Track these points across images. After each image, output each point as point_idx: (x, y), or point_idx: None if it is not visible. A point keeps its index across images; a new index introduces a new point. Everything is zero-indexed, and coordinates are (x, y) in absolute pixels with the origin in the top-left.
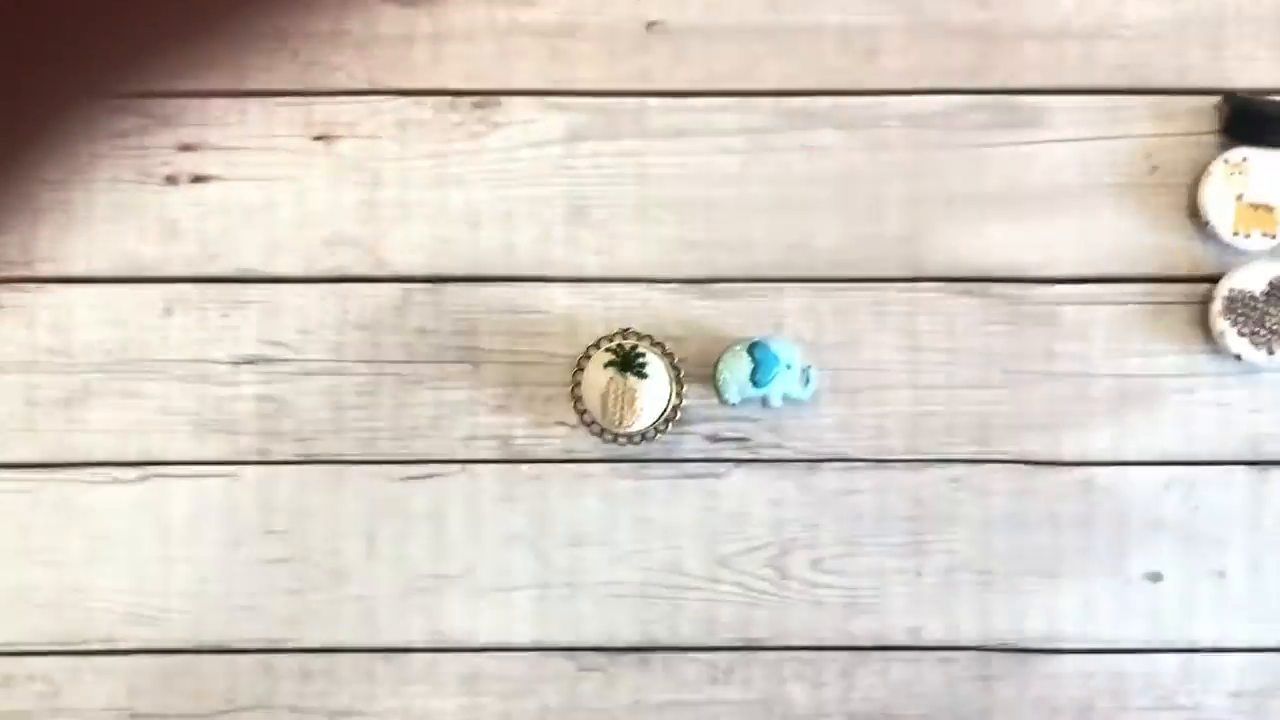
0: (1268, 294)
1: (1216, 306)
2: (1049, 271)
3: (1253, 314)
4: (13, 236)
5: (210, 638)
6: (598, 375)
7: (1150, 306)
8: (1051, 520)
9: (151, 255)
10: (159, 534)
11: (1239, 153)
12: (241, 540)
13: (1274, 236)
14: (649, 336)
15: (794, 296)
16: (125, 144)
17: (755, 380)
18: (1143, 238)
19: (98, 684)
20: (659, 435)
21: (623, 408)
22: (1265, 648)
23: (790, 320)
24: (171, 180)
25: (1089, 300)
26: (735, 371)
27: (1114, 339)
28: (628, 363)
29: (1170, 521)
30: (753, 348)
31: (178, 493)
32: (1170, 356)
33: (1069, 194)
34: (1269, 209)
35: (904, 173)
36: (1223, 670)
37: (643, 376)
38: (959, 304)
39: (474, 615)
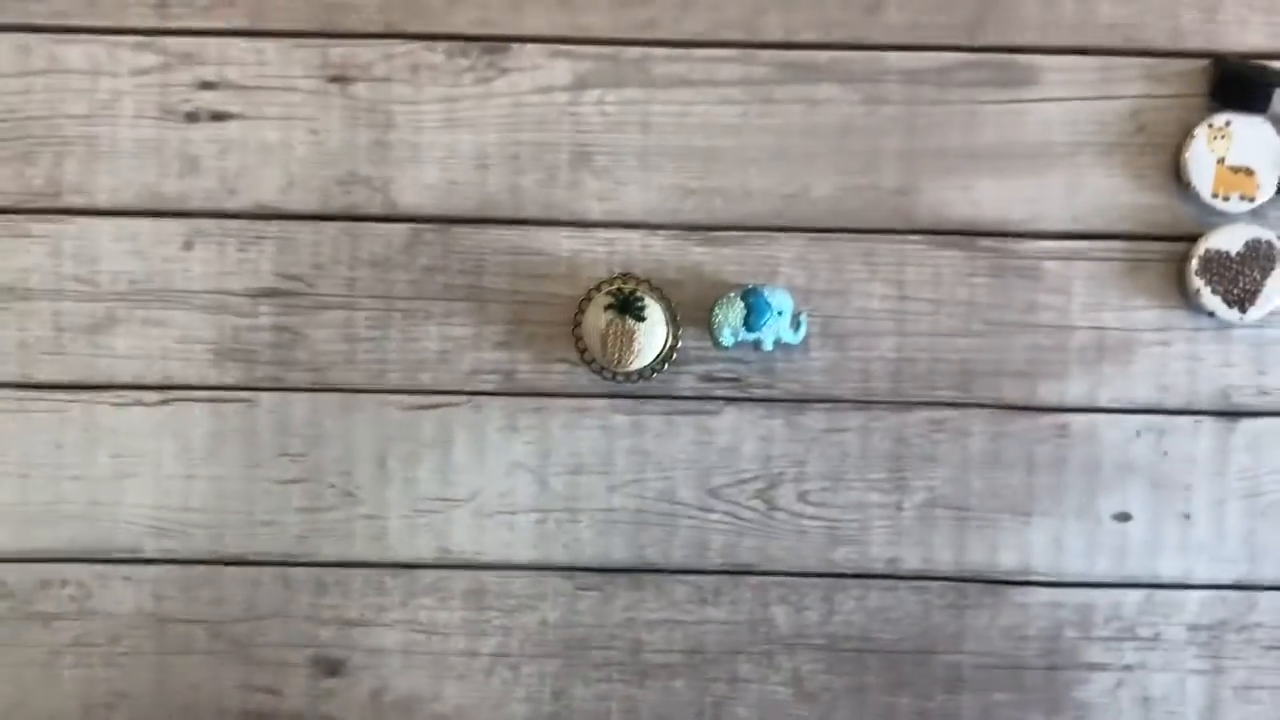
0: (1243, 255)
1: (1193, 265)
2: (1034, 226)
3: (1227, 273)
4: (41, 169)
5: (230, 550)
6: (598, 317)
7: (1130, 263)
8: (1027, 462)
9: (173, 189)
10: (181, 454)
11: (1223, 117)
12: (259, 461)
13: (1252, 199)
14: (648, 281)
15: (789, 245)
16: (148, 80)
17: (748, 325)
18: (1126, 196)
19: (125, 590)
20: (656, 375)
21: (621, 348)
22: (1223, 584)
23: (784, 268)
24: (192, 117)
25: (1071, 255)
26: (730, 316)
27: (1093, 293)
28: (627, 306)
29: (1140, 466)
30: (747, 294)
31: (198, 416)
32: (1147, 311)
33: (1057, 152)
34: (1249, 172)
35: (900, 127)
36: (1183, 604)
37: (641, 319)
38: (945, 256)
39: (479, 536)
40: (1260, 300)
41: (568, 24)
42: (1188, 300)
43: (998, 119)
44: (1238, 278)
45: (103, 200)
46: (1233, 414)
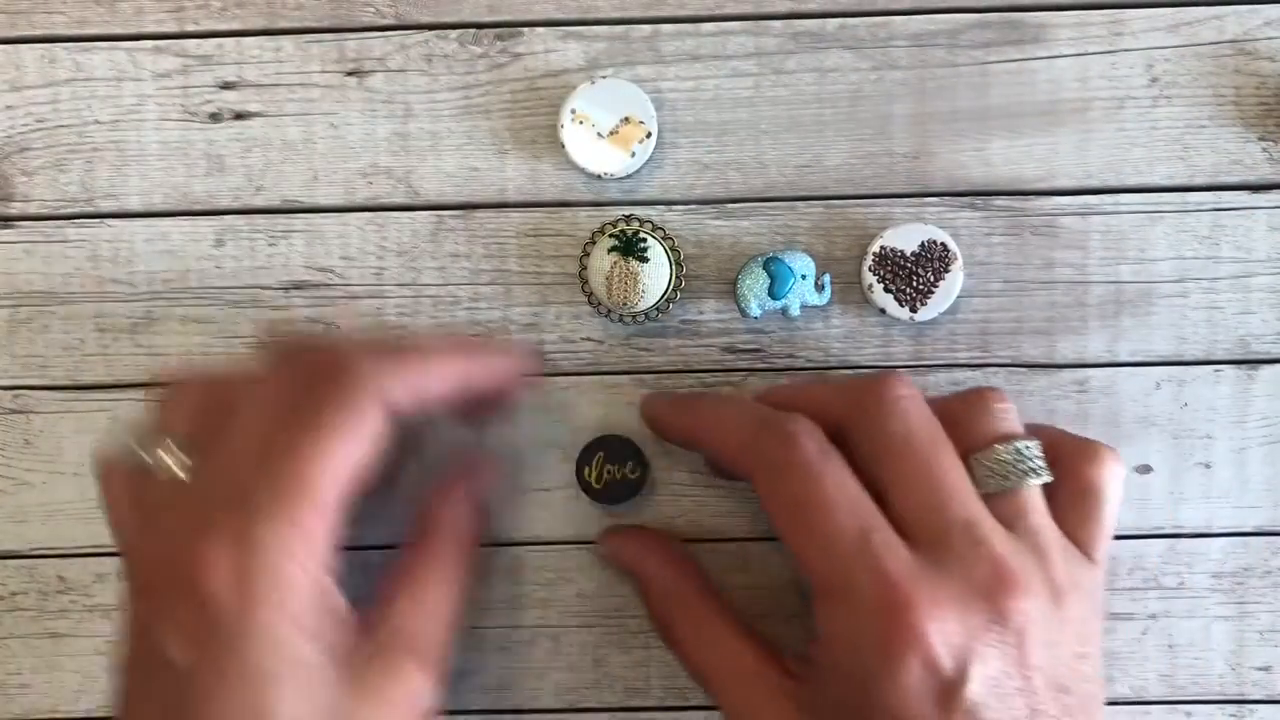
0: None
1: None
2: (1048, 184)
3: None
4: (74, 175)
5: None
6: (602, 260)
7: (1144, 215)
8: (1047, 418)
9: (201, 189)
10: None
11: None
12: None
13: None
14: (650, 221)
15: (806, 214)
16: (170, 84)
17: (773, 293)
18: (1139, 150)
19: None
20: (660, 315)
21: (626, 289)
22: (1246, 531)
23: (802, 236)
24: (215, 117)
25: (1086, 211)
26: (753, 287)
27: (1109, 248)
28: (630, 247)
29: (1160, 418)
30: (768, 263)
31: None
32: (1164, 264)
33: (1069, 108)
34: None
35: (910, 92)
36: (1206, 553)
37: (644, 260)
38: (962, 218)
39: (514, 514)
40: None
41: (577, 5)
42: (1204, 248)
43: (1008, 78)
44: None
45: (134, 203)
46: (1252, 362)
